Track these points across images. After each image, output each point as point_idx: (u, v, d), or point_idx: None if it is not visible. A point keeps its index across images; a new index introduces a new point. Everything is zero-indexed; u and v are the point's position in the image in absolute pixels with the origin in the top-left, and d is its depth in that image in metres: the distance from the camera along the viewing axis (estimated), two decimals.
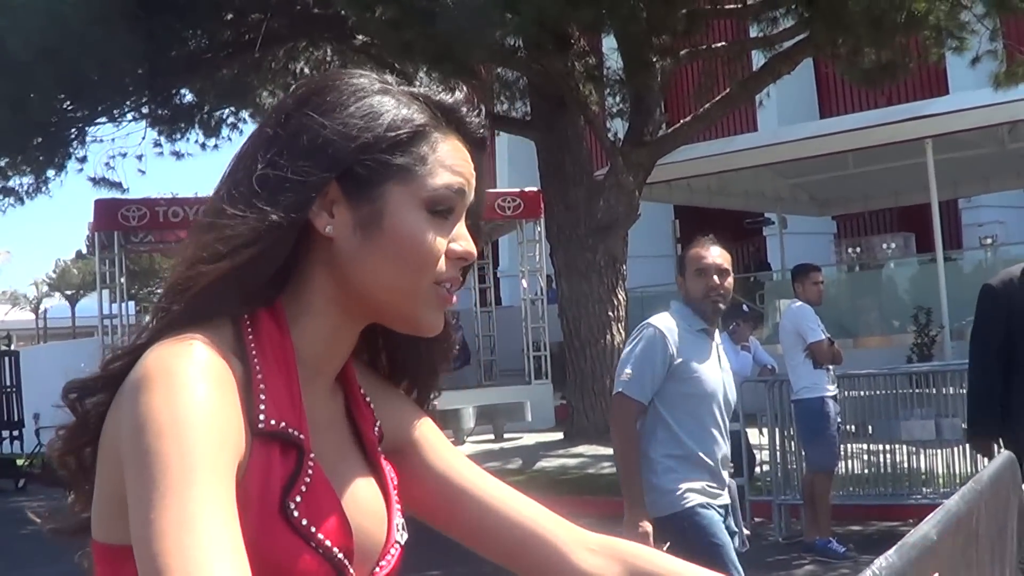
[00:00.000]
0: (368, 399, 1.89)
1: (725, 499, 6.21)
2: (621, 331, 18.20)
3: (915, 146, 19.93)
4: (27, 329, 59.64)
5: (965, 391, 9.60)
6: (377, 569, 1.75)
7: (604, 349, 18.35)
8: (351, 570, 1.64)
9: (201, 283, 1.64)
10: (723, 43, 19.32)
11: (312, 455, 1.64)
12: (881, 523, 12.55)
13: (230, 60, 21.24)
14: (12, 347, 29.87)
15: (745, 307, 13.25)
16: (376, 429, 1.87)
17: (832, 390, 11.24)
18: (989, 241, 25.34)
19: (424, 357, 1.94)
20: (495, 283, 28.24)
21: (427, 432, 1.98)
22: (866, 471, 13.16)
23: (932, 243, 21.02)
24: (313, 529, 1.59)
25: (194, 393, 1.49)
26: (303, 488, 1.60)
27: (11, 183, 24.08)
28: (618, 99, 21.36)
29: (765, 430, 12.94)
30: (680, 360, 6.14)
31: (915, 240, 27.65)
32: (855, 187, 25.32)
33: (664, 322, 6.30)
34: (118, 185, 23.96)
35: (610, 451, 11.54)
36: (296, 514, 1.58)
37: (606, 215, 18.03)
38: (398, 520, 1.82)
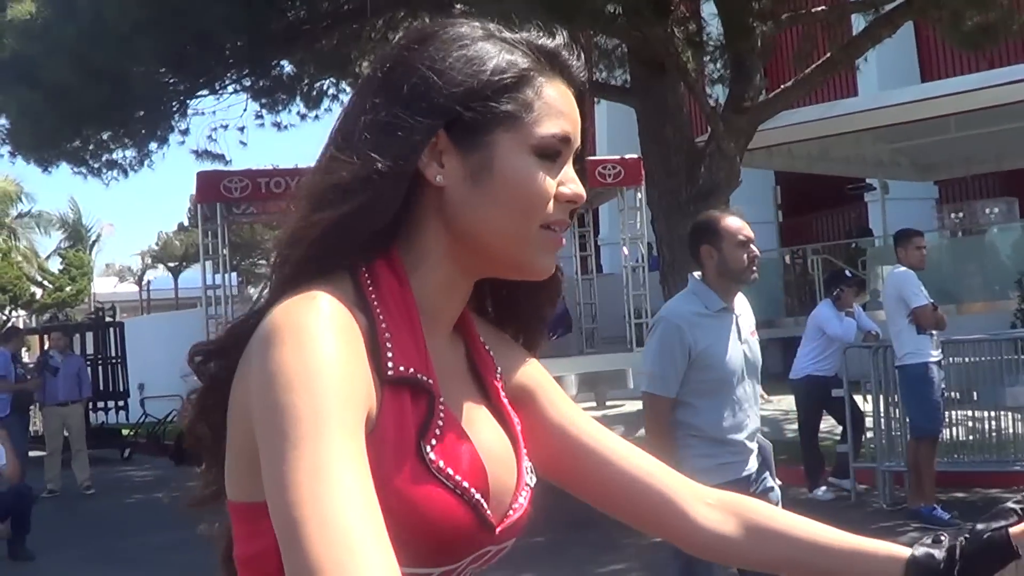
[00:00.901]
0: (488, 348, 1.92)
1: (751, 467, 6.26)
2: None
3: (1018, 109, 19.69)
4: (131, 301, 60.18)
5: None
6: (511, 512, 1.76)
7: None
8: (488, 509, 1.67)
9: (314, 233, 1.68)
10: (823, 7, 19.09)
11: (442, 399, 1.68)
12: (986, 490, 12.45)
13: (330, 31, 21.28)
14: (116, 318, 30.15)
15: (848, 273, 13.21)
16: (498, 375, 1.90)
17: (936, 355, 11.15)
18: None
19: (530, 300, 1.96)
20: (596, 251, 28.12)
21: (544, 384, 2.01)
22: (971, 437, 13.10)
23: None
24: (451, 471, 1.62)
25: (322, 345, 1.51)
26: (437, 431, 1.64)
27: (115, 156, 24.30)
28: (718, 65, 21.22)
29: (869, 396, 12.87)
30: (700, 349, 6.14)
31: (1018, 205, 27.27)
32: (957, 151, 25.03)
33: (679, 311, 6.35)
34: (220, 157, 24.11)
35: None
36: (432, 457, 1.61)
37: (707, 182, 17.92)
38: (526, 464, 1.84)
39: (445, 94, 1.70)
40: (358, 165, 1.68)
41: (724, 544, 1.94)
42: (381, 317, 1.66)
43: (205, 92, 23.09)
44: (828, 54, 17.78)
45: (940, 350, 11.30)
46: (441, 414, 1.66)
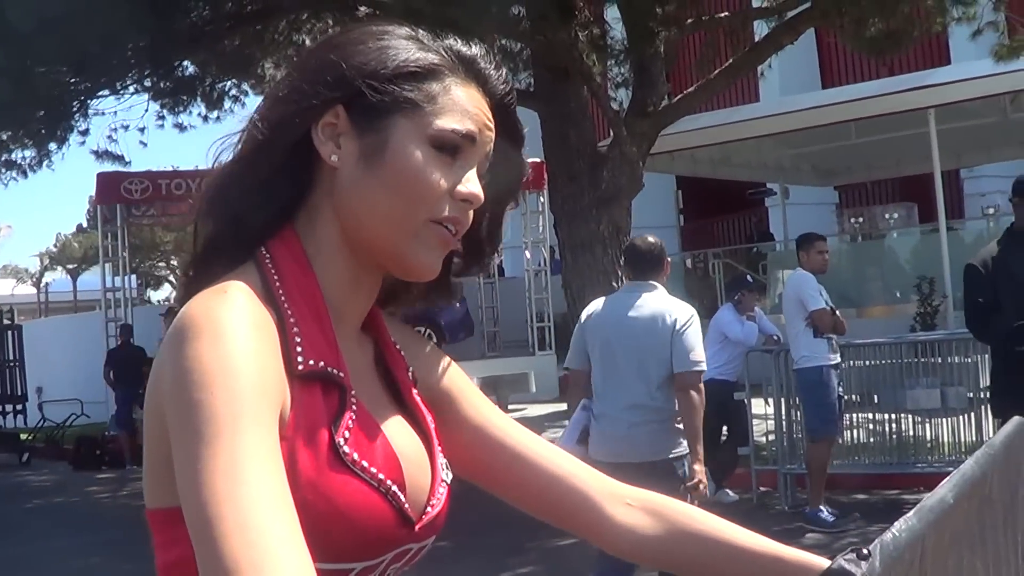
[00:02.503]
0: (399, 347, 1.90)
1: None
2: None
3: (918, 116, 19.93)
4: (29, 303, 59.60)
5: (977, 357, 9.80)
6: (429, 509, 1.75)
7: None
8: (404, 500, 1.66)
9: (214, 192, 1.73)
10: (726, 13, 19.23)
11: (354, 393, 1.67)
12: (886, 492, 12.60)
13: (232, 32, 21.10)
14: (15, 321, 29.78)
15: (749, 277, 13.28)
16: (410, 373, 1.89)
17: (834, 359, 11.25)
18: (991, 211, 25.26)
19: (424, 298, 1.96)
20: (498, 254, 28.15)
21: (462, 386, 1.99)
22: (871, 440, 13.23)
23: (934, 213, 21.02)
24: (365, 463, 1.61)
25: (236, 340, 1.49)
26: (350, 424, 1.62)
27: (13, 156, 24.00)
28: (622, 70, 21.32)
29: (771, 400, 12.97)
30: None
31: (917, 210, 27.60)
32: (857, 157, 25.31)
33: None
34: (120, 158, 23.85)
35: None
36: (347, 450, 1.59)
37: (610, 186, 17.97)
38: (441, 460, 1.83)
39: (348, 70, 1.71)
40: (254, 135, 1.72)
41: (643, 545, 1.93)
42: (289, 311, 1.65)
43: (106, 92, 22.82)
44: (731, 60, 17.92)
45: (838, 354, 11.38)
46: (353, 407, 1.65)
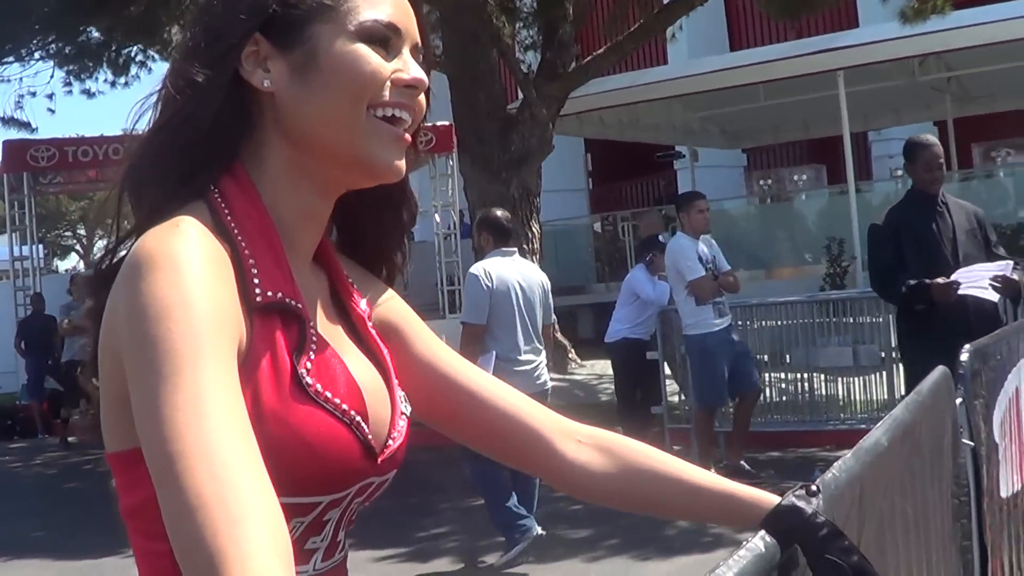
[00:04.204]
0: (351, 280, 1.87)
1: None
2: (535, 263, 18.22)
3: (826, 78, 20.06)
4: None
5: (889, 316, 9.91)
6: (390, 441, 1.74)
7: None
8: (367, 430, 1.65)
9: (151, 155, 1.67)
10: None
11: (312, 323, 1.65)
12: (800, 449, 12.66)
13: None
14: None
15: (660, 238, 13.23)
16: (364, 305, 1.87)
17: (720, 323, 11.11)
18: (899, 173, 25.49)
19: (376, 224, 1.93)
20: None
21: (410, 320, 1.97)
22: (784, 399, 13.31)
23: (843, 175, 21.23)
24: (328, 394, 1.59)
25: (191, 274, 1.46)
26: (311, 355, 1.60)
27: None
28: (531, 32, 21.31)
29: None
30: None
31: (826, 172, 27.84)
32: (766, 120, 25.40)
33: None
34: (27, 125, 23.64)
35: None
36: (309, 381, 1.58)
37: (520, 148, 18.00)
38: (399, 393, 1.81)
39: None
40: (181, 83, 1.67)
41: (593, 481, 1.91)
42: (243, 243, 1.62)
43: (11, 59, 22.55)
44: (640, 22, 17.93)
45: (727, 316, 11.24)
46: (314, 339, 1.63)
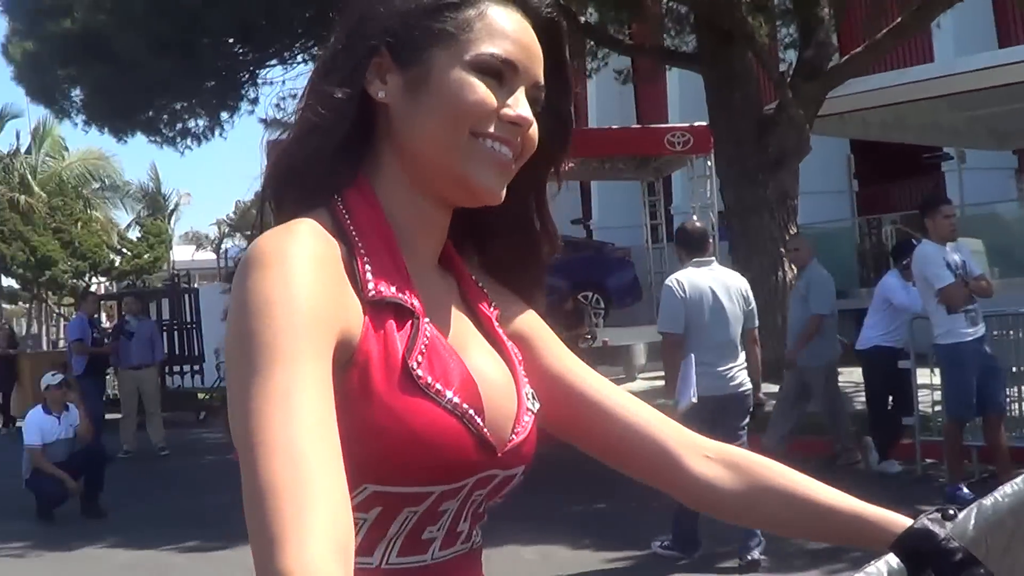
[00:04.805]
0: (481, 285, 1.93)
1: None
2: (792, 268, 17.96)
3: None
4: (210, 268, 60.90)
5: None
6: (513, 436, 1.77)
7: (775, 286, 18.01)
8: (482, 424, 1.68)
9: (287, 167, 1.78)
10: None
11: (427, 320, 1.70)
12: None
13: None
14: (192, 285, 30.59)
15: (915, 242, 12.91)
16: (492, 307, 1.92)
17: (973, 332, 10.67)
18: None
19: (516, 261, 1.97)
20: (668, 219, 27.94)
21: (540, 331, 2.00)
22: None
23: None
24: (439, 386, 1.64)
25: (295, 272, 1.53)
26: (422, 349, 1.65)
27: (188, 125, 24.60)
28: (789, 30, 21.02)
29: (937, 369, 12.65)
30: None
31: None
32: None
33: None
34: (288, 126, 24.34)
35: (776, 388, 11.78)
36: (420, 373, 1.62)
37: (776, 150, 17.79)
38: (527, 390, 1.84)
39: (385, 15, 1.77)
40: (314, 101, 1.77)
41: (721, 498, 1.92)
42: (360, 243, 1.69)
43: (274, 62, 23.23)
44: (899, 18, 17.53)
45: (980, 325, 10.81)
46: (427, 333, 1.68)
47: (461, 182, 1.75)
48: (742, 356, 9.36)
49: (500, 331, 1.89)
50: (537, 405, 1.85)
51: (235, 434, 1.43)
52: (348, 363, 1.57)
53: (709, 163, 20.74)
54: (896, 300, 12.52)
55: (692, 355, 9.05)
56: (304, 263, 1.54)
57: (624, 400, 1.96)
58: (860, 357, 13.22)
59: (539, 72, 1.80)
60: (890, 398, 12.95)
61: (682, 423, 1.99)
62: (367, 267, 1.66)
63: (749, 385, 9.38)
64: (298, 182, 1.76)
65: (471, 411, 1.66)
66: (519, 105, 1.76)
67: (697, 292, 9.19)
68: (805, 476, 1.91)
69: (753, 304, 9.59)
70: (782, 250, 18.07)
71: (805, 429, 12.92)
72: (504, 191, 1.79)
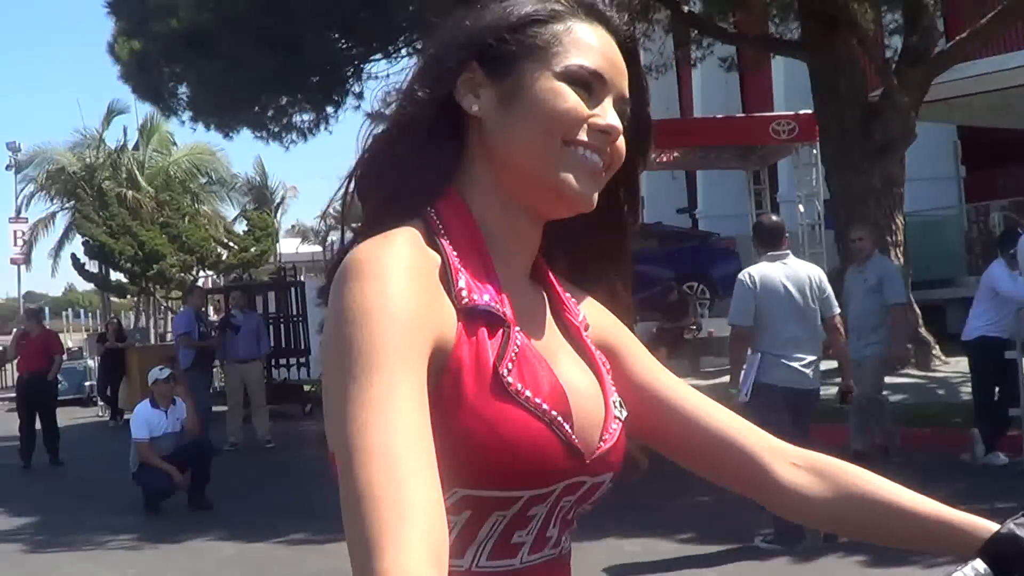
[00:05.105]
0: (570, 296, 1.96)
1: None
2: (899, 256, 17.80)
3: None
4: (315, 261, 61.29)
5: None
6: (601, 443, 1.78)
7: None
8: (570, 431, 1.70)
9: (375, 169, 1.84)
10: None
11: (517, 328, 1.73)
12: None
13: None
14: (298, 278, 30.80)
15: (1020, 230, 12.71)
16: (581, 318, 1.94)
17: None
18: None
19: (600, 272, 2.01)
20: (775, 208, 27.73)
21: (627, 341, 2.03)
22: None
23: None
24: (528, 393, 1.66)
25: (391, 281, 1.56)
26: (513, 356, 1.68)
27: (293, 120, 24.78)
28: (895, 16, 20.79)
29: None
30: None
31: None
32: None
33: None
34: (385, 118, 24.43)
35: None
36: (509, 380, 1.65)
37: (882, 137, 17.63)
38: (614, 398, 1.87)
39: (476, 29, 1.82)
40: (404, 96, 1.83)
41: (807, 505, 1.95)
42: (454, 253, 1.72)
43: (379, 56, 23.33)
44: (1004, 2, 17.28)
45: None
46: (517, 341, 1.71)
47: (555, 189, 1.78)
48: (818, 350, 9.55)
49: (588, 341, 1.91)
50: (625, 413, 1.87)
51: (332, 438, 1.47)
52: (441, 369, 1.61)
53: (815, 151, 20.58)
54: (1001, 289, 12.34)
55: (759, 354, 9.34)
56: (400, 273, 1.58)
57: (710, 407, 1.98)
58: (966, 347, 13.05)
59: (624, 85, 1.84)
60: (996, 389, 12.77)
61: (743, 413, 2.01)
62: (460, 276, 1.70)
63: (818, 384, 9.57)
64: (388, 185, 1.81)
65: (560, 417, 1.68)
66: (608, 114, 1.79)
67: (769, 286, 9.39)
68: (892, 483, 1.92)
69: (829, 292, 9.65)
70: (888, 239, 17.90)
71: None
72: (596, 198, 1.82)
